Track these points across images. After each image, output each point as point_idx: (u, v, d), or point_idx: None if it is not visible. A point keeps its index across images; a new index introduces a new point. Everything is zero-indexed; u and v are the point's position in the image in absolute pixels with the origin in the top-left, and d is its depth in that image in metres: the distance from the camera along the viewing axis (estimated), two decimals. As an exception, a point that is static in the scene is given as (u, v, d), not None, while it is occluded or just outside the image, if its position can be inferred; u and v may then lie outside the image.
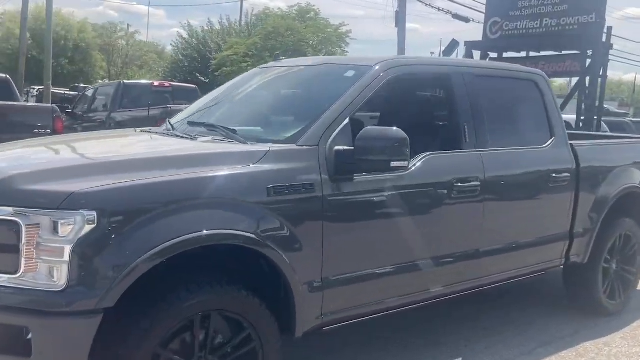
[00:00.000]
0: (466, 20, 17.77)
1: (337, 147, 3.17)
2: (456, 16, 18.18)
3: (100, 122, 9.47)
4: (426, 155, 3.58)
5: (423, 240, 3.58)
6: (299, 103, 3.80)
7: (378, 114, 4.03)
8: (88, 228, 2.45)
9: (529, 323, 4.77)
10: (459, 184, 3.69)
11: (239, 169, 2.90)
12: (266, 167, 2.98)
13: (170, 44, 50.38)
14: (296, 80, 4.08)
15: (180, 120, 4.05)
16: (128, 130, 4.11)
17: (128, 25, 59.21)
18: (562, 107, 9.49)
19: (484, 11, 15.07)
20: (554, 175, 4.31)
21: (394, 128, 3.16)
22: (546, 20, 13.84)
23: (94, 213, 2.46)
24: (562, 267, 4.71)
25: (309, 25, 30.07)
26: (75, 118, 10.98)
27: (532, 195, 4.25)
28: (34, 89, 32.77)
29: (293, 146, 3.16)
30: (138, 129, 4.05)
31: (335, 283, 3.21)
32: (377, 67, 3.58)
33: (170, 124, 3.97)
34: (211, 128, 3.55)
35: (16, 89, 8.94)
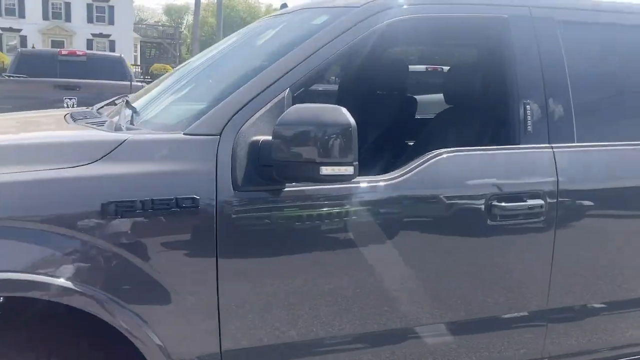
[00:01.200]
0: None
1: (255, 138, 1.91)
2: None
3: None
4: (440, 154, 2.14)
5: (418, 296, 2.16)
6: (235, 70, 2.51)
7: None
8: None
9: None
10: (502, 204, 2.18)
11: (48, 172, 1.76)
12: (108, 169, 1.80)
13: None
14: (266, 35, 2.77)
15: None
16: (59, 110, 3.17)
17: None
18: None
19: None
20: None
21: (337, 107, 1.81)
22: None
23: None
24: None
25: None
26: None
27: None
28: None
29: (177, 136, 1.94)
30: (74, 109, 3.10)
31: (249, 357, 1.98)
32: (361, 9, 2.20)
33: (115, 101, 2.94)
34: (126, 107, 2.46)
35: (129, 68, 8.83)
